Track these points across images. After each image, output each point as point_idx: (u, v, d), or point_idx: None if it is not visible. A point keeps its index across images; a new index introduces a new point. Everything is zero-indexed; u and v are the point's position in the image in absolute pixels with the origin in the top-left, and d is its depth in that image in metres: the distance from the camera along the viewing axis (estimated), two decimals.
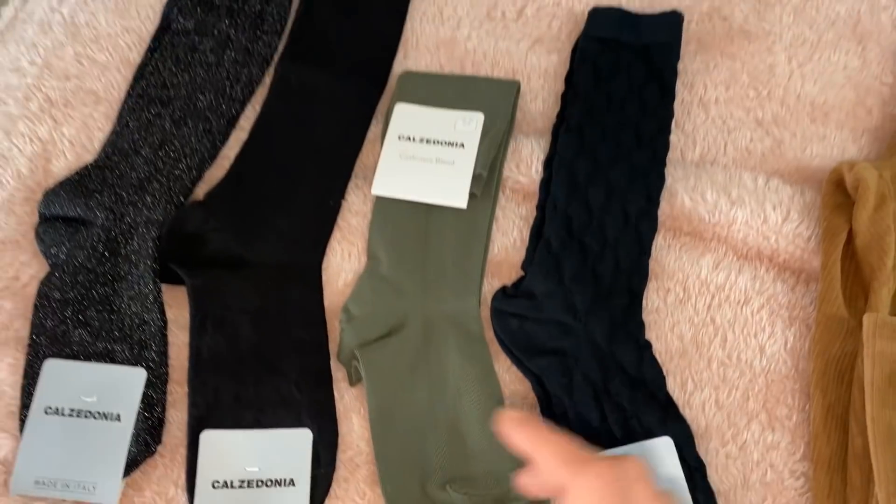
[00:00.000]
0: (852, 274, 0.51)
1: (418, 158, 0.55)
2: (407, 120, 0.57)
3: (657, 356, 0.49)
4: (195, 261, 0.52)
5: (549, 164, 0.55)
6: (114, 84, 0.60)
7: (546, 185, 0.55)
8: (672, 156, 0.56)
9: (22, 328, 0.51)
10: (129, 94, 0.59)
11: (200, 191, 0.56)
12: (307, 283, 0.52)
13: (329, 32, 0.61)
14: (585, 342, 0.49)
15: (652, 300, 0.52)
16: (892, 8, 0.63)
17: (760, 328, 0.51)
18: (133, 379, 0.48)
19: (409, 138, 0.56)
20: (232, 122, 0.58)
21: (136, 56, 0.61)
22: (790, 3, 0.63)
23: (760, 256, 0.53)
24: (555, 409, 0.47)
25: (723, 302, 0.51)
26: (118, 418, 0.47)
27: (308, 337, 0.50)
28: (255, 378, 0.48)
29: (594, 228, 0.52)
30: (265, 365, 0.49)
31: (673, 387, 0.49)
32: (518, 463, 0.45)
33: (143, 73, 0.59)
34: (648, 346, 0.49)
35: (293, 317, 0.51)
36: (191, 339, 0.49)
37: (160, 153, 0.55)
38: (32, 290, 0.52)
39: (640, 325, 0.50)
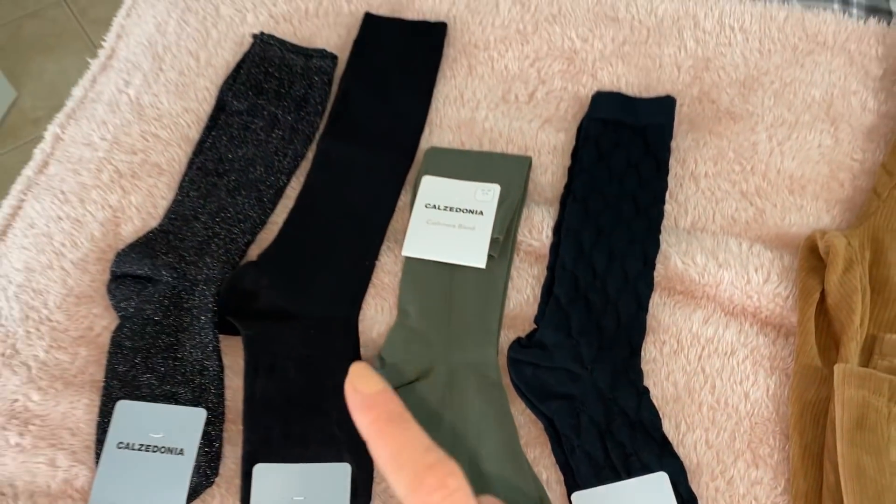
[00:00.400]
0: (825, 329, 0.57)
1: (443, 224, 0.62)
2: (433, 190, 0.64)
3: (654, 401, 0.55)
4: (249, 314, 0.58)
5: (557, 229, 0.62)
6: (175, 158, 0.67)
7: (555, 248, 0.61)
8: (666, 223, 0.62)
9: (96, 373, 0.57)
10: (189, 167, 0.65)
11: (253, 252, 0.62)
12: (346, 333, 0.58)
13: (364, 113, 0.68)
14: (591, 388, 0.55)
15: (649, 351, 0.58)
16: (861, 93, 0.69)
17: (745, 376, 0.56)
18: (195, 418, 0.54)
19: (435, 206, 0.63)
20: (280, 191, 0.65)
21: (194, 133, 0.68)
22: (771, 88, 0.70)
23: (745, 313, 0.59)
24: (564, 447, 0.53)
25: (712, 353, 0.57)
26: (182, 452, 0.53)
27: None
28: (300, 418, 0.54)
29: (598, 287, 0.58)
30: (310, 406, 0.55)
31: (668, 428, 0.54)
32: (532, 493, 0.52)
33: (202, 149, 0.66)
34: (646, 391, 0.55)
35: (334, 363, 0.57)
36: (245, 383, 0.55)
37: (217, 219, 0.62)
38: (105, 339, 0.58)
39: (639, 374, 0.56)
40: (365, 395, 0.28)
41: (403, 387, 0.56)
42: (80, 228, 0.63)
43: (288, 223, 0.63)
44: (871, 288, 0.57)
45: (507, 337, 0.59)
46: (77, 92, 0.73)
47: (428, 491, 0.26)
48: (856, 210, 0.63)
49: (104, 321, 0.59)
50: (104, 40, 0.77)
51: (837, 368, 0.52)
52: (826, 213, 0.63)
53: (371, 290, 0.61)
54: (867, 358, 0.55)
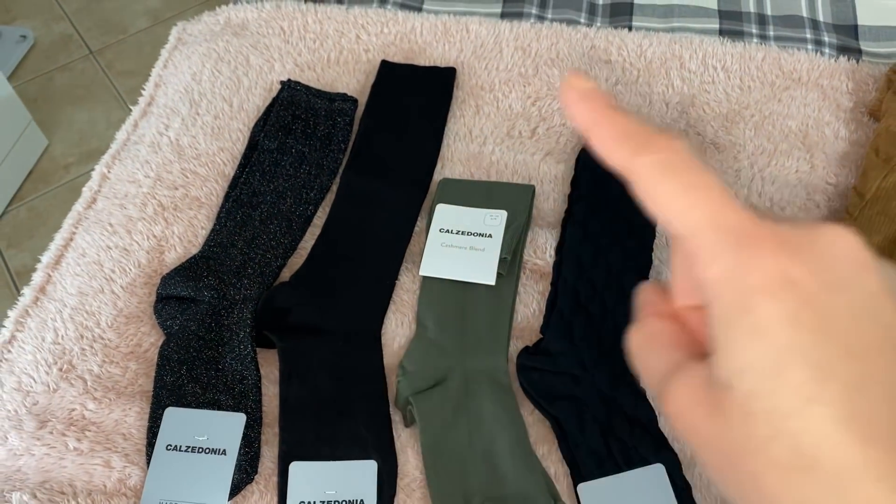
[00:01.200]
0: None
1: (455, 246, 0.68)
2: (446, 216, 0.70)
3: (650, 401, 0.60)
4: (283, 328, 0.64)
5: (559, 250, 0.68)
6: (213, 192, 0.74)
7: (558, 266, 0.67)
8: (658, 242, 0.68)
9: (145, 384, 0.63)
10: (225, 200, 0.72)
11: (285, 275, 0.68)
12: (370, 345, 0.64)
13: (382, 149, 0.75)
14: (593, 390, 0.61)
15: None
16: (834, 123, 0.76)
17: None
18: (235, 422, 0.60)
19: (448, 231, 0.69)
20: (308, 220, 0.71)
21: (229, 170, 0.75)
22: (751, 121, 0.77)
23: None
24: (570, 443, 0.59)
25: None
26: (224, 453, 0.58)
27: (372, 388, 0.62)
28: (331, 420, 0.60)
29: (597, 300, 0.64)
30: (339, 410, 0.60)
31: (664, 424, 0.60)
32: (542, 486, 0.57)
33: (237, 183, 0.73)
34: (643, 392, 0.61)
35: (360, 372, 0.63)
36: (280, 390, 0.61)
37: (252, 245, 0.69)
38: (152, 354, 0.64)
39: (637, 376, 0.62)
40: (582, 89, 0.25)
41: (423, 392, 0.61)
42: (128, 256, 0.70)
43: (316, 248, 0.69)
44: None
45: (515, 346, 0.64)
46: (120, 135, 0.81)
47: (654, 150, 0.23)
48: None
49: (152, 338, 0.65)
50: (143, 89, 0.85)
51: None
52: None
53: (392, 307, 0.67)
54: None
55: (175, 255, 0.70)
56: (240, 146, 0.77)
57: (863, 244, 0.21)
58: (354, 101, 0.78)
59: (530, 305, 0.67)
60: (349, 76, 0.83)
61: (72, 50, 1.81)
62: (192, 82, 0.83)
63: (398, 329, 0.66)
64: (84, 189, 0.77)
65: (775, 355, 0.20)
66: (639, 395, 0.60)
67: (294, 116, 0.76)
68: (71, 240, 0.73)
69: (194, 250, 0.70)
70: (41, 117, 1.63)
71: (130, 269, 0.69)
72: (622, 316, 0.63)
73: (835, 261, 0.21)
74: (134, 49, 1.77)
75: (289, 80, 0.79)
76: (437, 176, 0.75)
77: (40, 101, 1.69)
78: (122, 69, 1.73)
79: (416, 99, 0.79)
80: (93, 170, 0.77)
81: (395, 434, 0.60)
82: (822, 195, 0.72)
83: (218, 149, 0.77)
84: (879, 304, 0.21)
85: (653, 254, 0.67)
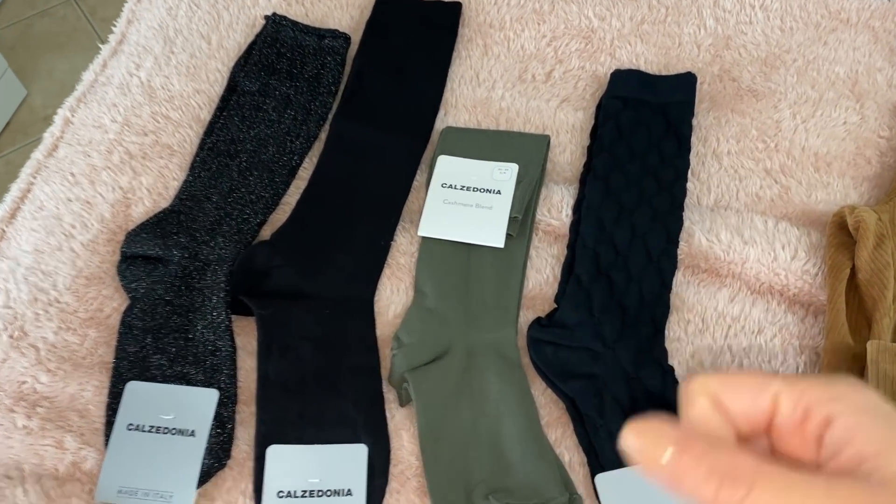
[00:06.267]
0: (856, 306, 0.55)
1: (460, 203, 0.61)
2: (449, 170, 0.62)
3: (679, 380, 0.53)
4: (263, 293, 0.57)
5: (577, 208, 0.60)
6: (187, 139, 0.66)
7: (575, 226, 0.60)
8: (689, 201, 0.60)
9: (105, 354, 0.56)
10: (200, 148, 0.64)
11: (266, 233, 0.61)
12: (362, 314, 0.57)
13: (378, 93, 0.67)
14: (614, 367, 0.54)
15: (674, 330, 0.56)
16: (887, 69, 0.68)
17: (773, 355, 0.55)
18: (206, 399, 0.53)
19: (451, 186, 0.62)
20: (292, 172, 0.63)
21: (206, 114, 0.67)
22: (794, 66, 0.69)
23: (772, 291, 0.57)
24: (587, 428, 0.52)
25: (738, 332, 0.56)
26: (193, 434, 0.52)
27: (363, 362, 0.55)
28: (316, 398, 0.53)
29: (620, 265, 0.57)
30: (325, 386, 0.53)
31: None
32: (555, 475, 0.50)
33: (213, 129, 0.65)
34: (671, 370, 0.53)
35: (350, 344, 0.55)
36: (259, 363, 0.54)
37: (229, 199, 0.61)
38: (114, 320, 0.57)
39: (664, 352, 0.54)
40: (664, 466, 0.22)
41: (421, 367, 0.54)
42: (90, 210, 0.62)
43: (301, 203, 0.62)
44: None
45: (526, 317, 0.57)
46: (87, 76, 0.72)
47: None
48: (884, 187, 0.62)
49: (114, 302, 0.58)
50: (114, 25, 0.76)
51: (871, 345, 0.50)
52: (853, 189, 0.62)
53: (387, 271, 0.60)
54: None
55: (143, 208, 0.63)
56: (217, 88, 0.69)
57: None
58: (347, 39, 0.70)
59: (543, 271, 0.59)
60: (341, 11, 0.74)
61: None
62: (167, 17, 0.75)
63: (393, 296, 0.59)
64: (45, 134, 0.69)
65: None
66: (666, 373, 0.53)
67: (279, 55, 0.68)
68: (28, 191, 0.65)
69: (164, 204, 0.62)
70: (19, 66, 1.54)
71: (92, 225, 0.62)
72: (649, 284, 0.56)
73: None
74: None
75: (274, 15, 0.70)
76: (440, 124, 0.67)
77: (18, 49, 1.60)
78: (105, 15, 1.63)
79: (416, 37, 0.70)
80: None
81: (388, 415, 0.53)
82: (874, 150, 0.64)
83: (193, 91, 0.69)
84: None
85: (684, 214, 0.59)
